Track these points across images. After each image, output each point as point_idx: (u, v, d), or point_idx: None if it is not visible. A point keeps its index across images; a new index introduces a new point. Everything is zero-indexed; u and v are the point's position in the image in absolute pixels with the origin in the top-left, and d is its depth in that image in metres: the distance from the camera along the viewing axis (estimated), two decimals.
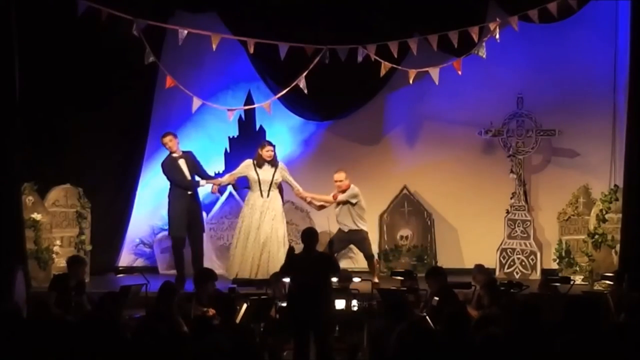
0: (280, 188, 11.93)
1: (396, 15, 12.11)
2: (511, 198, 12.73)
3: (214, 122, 13.18)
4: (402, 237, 13.15)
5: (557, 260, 12.37)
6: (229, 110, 12.15)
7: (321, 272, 8.67)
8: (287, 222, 12.09)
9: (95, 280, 11.79)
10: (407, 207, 13.20)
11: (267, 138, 12.95)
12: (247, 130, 13.47)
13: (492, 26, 11.29)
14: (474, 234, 13.02)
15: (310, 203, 12.07)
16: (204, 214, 12.79)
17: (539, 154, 12.94)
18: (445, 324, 6.29)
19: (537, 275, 12.36)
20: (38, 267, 11.39)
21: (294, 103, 12.68)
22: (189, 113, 12.26)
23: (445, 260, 12.76)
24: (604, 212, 11.73)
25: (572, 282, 10.16)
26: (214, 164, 13.14)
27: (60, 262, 11.57)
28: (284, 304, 9.05)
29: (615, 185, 12.01)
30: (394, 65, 11.52)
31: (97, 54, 12.30)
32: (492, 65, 12.28)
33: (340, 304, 9.22)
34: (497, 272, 12.48)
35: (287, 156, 12.90)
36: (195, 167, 11.75)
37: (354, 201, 11.64)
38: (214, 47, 11.41)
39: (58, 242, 11.91)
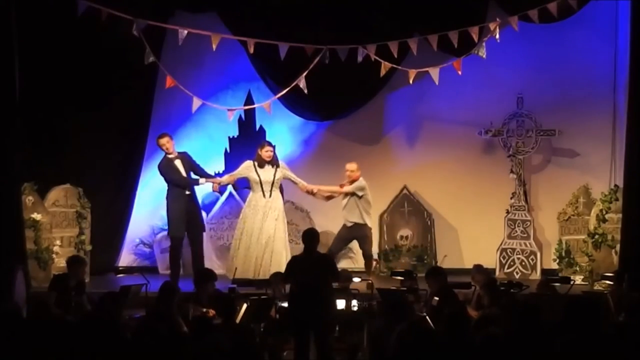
0: (280, 188, 11.92)
1: (396, 15, 12.12)
2: (511, 198, 12.73)
3: (214, 122, 13.19)
4: (402, 237, 13.16)
5: (557, 260, 12.38)
6: (229, 110, 12.14)
7: (322, 273, 8.66)
8: (287, 222, 12.07)
9: (95, 280, 11.79)
10: (407, 207, 13.21)
11: (267, 138, 12.95)
12: (247, 130, 13.48)
13: (492, 26, 11.29)
14: (474, 234, 13.03)
15: (317, 195, 12.00)
16: (204, 214, 12.80)
17: (539, 154, 12.94)
18: (445, 324, 6.29)
19: (537, 275, 12.36)
20: (38, 267, 11.40)
21: (294, 103, 12.69)
22: (189, 113, 12.27)
23: (445, 260, 12.76)
24: (604, 212, 11.74)
25: (572, 282, 10.15)
26: (214, 164, 13.14)
27: (60, 262, 11.57)
28: (284, 304, 9.05)
29: (615, 185, 12.01)
30: (394, 65, 11.52)
31: (97, 54, 12.31)
32: (492, 65, 12.28)
33: (340, 304, 9.22)
34: (497, 272, 12.49)
35: (287, 156, 12.90)
36: (192, 167, 11.72)
37: (360, 194, 11.63)
38: (214, 47, 11.40)
39: (58, 242, 11.92)
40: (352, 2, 12.22)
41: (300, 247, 9.50)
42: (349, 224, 11.70)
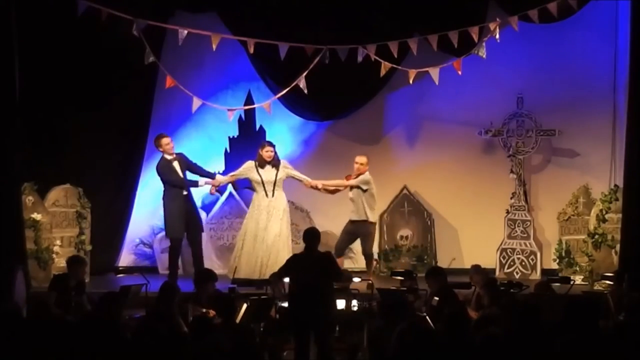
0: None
1: (396, 15, 12.12)
2: (511, 198, 12.73)
3: (214, 122, 13.19)
4: (402, 237, 13.16)
5: (557, 260, 12.38)
6: (229, 110, 12.15)
7: (322, 272, 8.65)
8: None
9: (95, 280, 11.78)
10: (407, 207, 13.21)
11: (267, 138, 12.95)
12: (247, 130, 13.47)
13: (492, 26, 11.29)
14: (474, 234, 13.03)
15: (322, 190, 11.97)
16: (204, 214, 12.80)
17: (539, 154, 12.94)
18: (445, 324, 6.29)
19: (537, 275, 12.36)
20: (38, 267, 11.39)
21: (294, 103, 12.69)
22: (189, 113, 12.27)
23: (445, 260, 12.78)
24: (604, 212, 11.74)
25: (572, 282, 10.15)
26: (214, 164, 13.13)
27: (60, 262, 11.57)
28: (284, 304, 9.05)
29: (615, 185, 12.01)
30: (394, 65, 11.52)
31: (97, 54, 12.31)
32: (492, 65, 12.28)
33: (340, 304, 9.21)
34: (497, 272, 12.48)
35: (287, 156, 12.87)
36: (189, 167, 11.71)
37: (364, 187, 11.61)
38: (214, 47, 11.41)
39: (58, 242, 11.92)
40: (352, 2, 12.22)
41: (300, 247, 9.49)
42: (354, 219, 11.68)
